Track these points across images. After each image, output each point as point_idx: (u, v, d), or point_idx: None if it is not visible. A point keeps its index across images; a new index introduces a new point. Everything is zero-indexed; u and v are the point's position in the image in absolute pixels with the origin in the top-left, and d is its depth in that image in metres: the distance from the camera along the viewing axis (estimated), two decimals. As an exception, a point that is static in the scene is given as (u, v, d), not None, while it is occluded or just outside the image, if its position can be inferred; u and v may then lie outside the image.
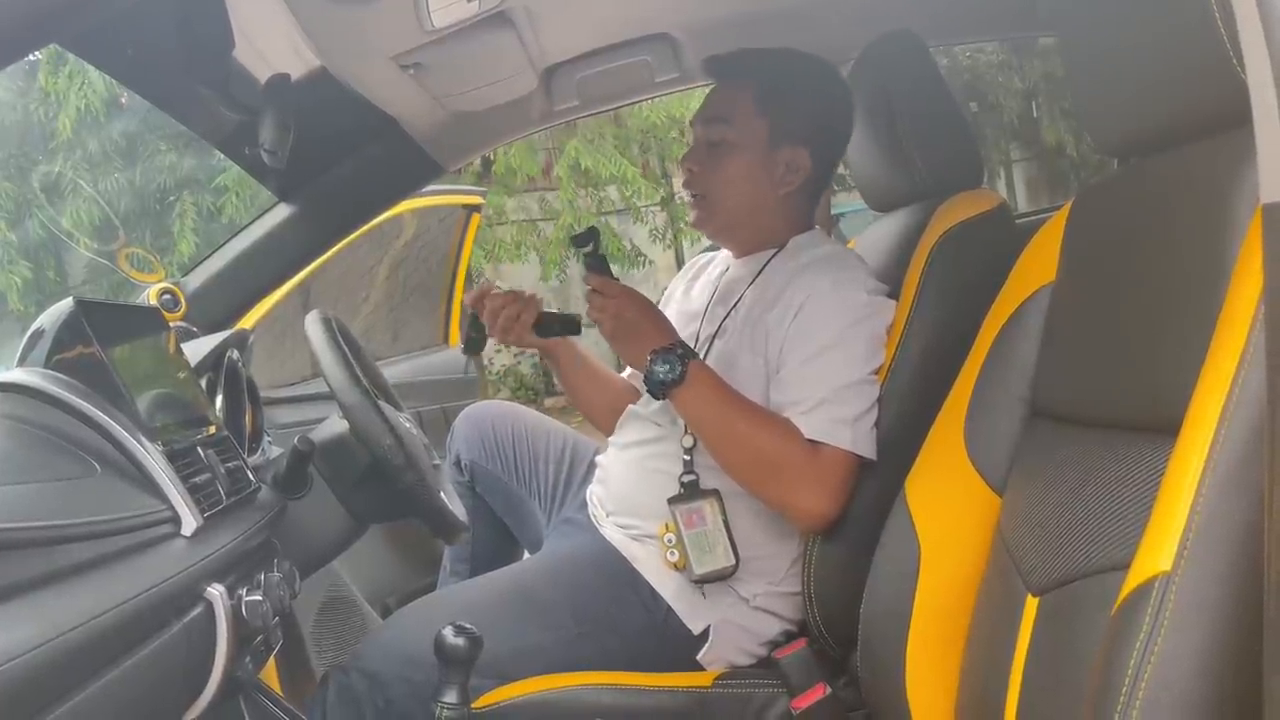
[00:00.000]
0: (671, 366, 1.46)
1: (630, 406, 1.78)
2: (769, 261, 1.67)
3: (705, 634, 1.56)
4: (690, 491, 1.56)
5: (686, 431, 1.59)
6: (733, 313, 1.65)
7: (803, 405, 1.47)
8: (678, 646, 1.56)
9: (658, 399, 1.52)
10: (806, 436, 1.46)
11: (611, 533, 1.67)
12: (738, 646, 1.58)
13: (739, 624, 1.57)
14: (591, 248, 1.60)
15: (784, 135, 1.63)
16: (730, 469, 1.52)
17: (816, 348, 1.49)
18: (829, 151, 1.69)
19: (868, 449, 1.46)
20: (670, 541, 1.55)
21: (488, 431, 1.98)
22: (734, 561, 1.52)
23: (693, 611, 1.56)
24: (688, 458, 1.58)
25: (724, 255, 1.82)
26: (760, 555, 1.56)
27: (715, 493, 1.54)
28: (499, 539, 2.01)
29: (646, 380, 1.49)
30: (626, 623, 1.57)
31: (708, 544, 1.52)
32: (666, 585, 1.58)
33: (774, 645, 1.60)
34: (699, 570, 1.51)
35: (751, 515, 1.55)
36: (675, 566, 1.55)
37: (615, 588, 1.59)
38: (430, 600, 1.71)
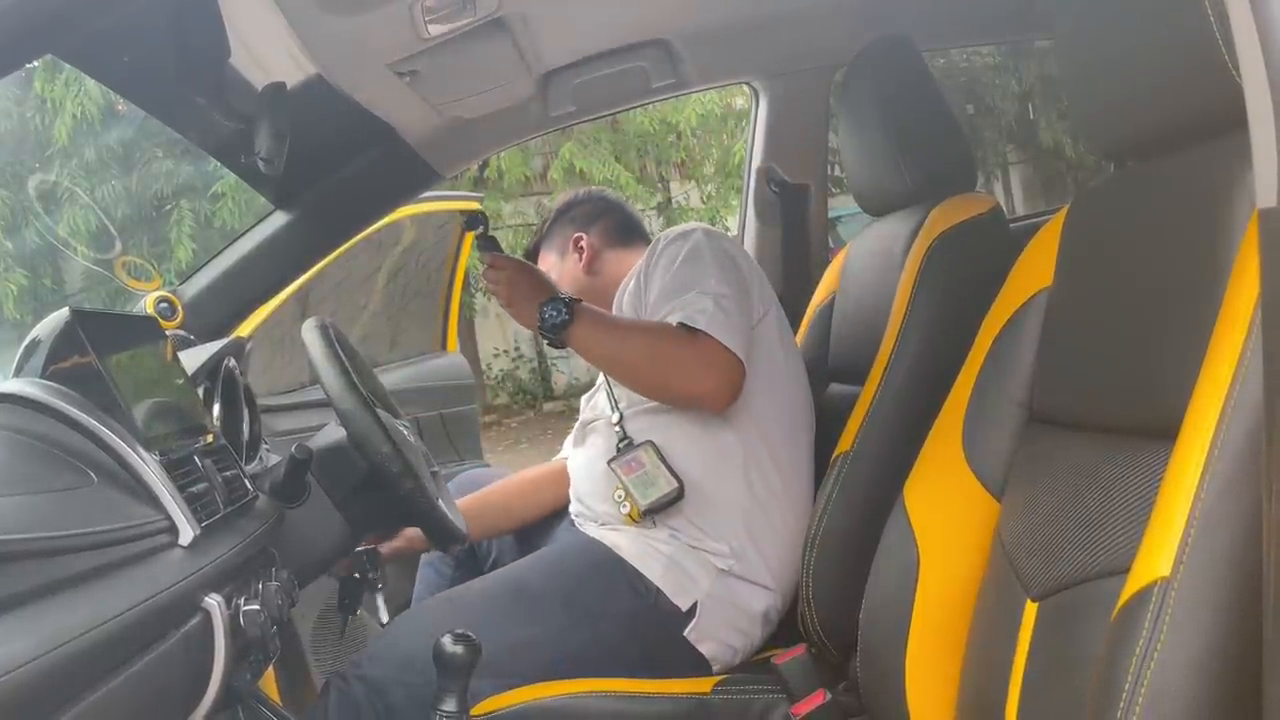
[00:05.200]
0: (558, 310, 1.63)
1: (571, 435, 1.97)
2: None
3: (693, 611, 1.60)
4: (625, 449, 1.70)
5: (614, 408, 1.77)
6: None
7: (673, 310, 1.63)
8: (668, 626, 1.60)
9: (556, 346, 1.67)
10: (675, 324, 1.60)
11: (593, 530, 1.75)
12: (726, 622, 1.62)
13: (723, 598, 1.62)
14: (482, 230, 1.79)
15: (560, 240, 2.05)
16: (633, 383, 1.70)
17: (674, 276, 1.68)
18: (596, 222, 2.05)
19: (728, 339, 1.58)
20: (620, 498, 1.68)
21: (477, 489, 2.07)
22: (677, 484, 1.64)
23: (679, 589, 1.61)
24: (618, 429, 1.74)
25: None
26: (707, 481, 1.66)
27: (648, 441, 1.69)
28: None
29: (542, 328, 1.65)
30: (616, 607, 1.60)
31: (649, 479, 1.66)
32: (652, 567, 1.62)
33: (765, 626, 1.64)
34: (645, 502, 1.64)
35: (680, 447, 1.68)
36: (631, 518, 1.67)
37: (603, 576, 1.63)
38: (425, 606, 1.73)
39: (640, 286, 1.77)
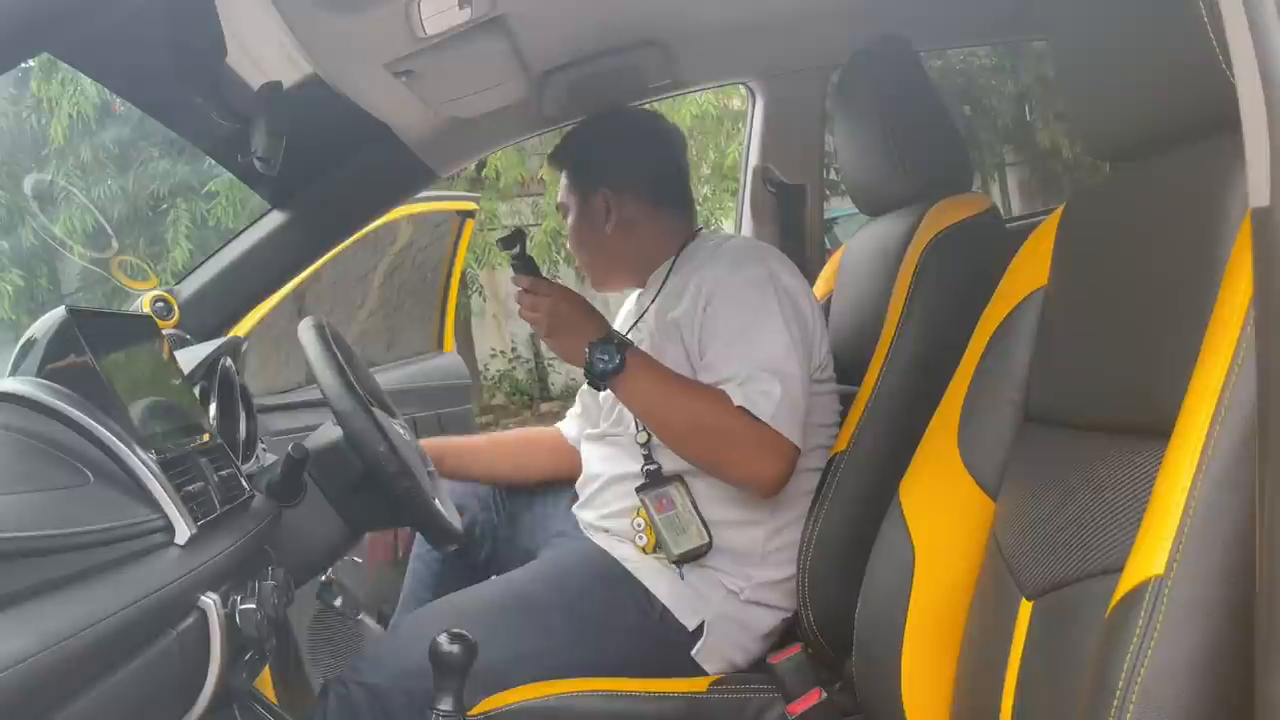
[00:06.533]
0: (610, 356, 1.51)
1: (586, 432, 1.86)
2: (668, 274, 1.74)
3: (700, 630, 1.57)
4: (655, 479, 1.62)
5: (640, 428, 1.64)
6: (642, 321, 1.73)
7: (734, 380, 1.51)
8: (674, 645, 1.57)
9: (599, 390, 1.58)
10: (736, 404, 1.49)
11: (600, 539, 1.70)
12: (734, 642, 1.60)
13: (733, 618, 1.59)
14: (519, 249, 1.63)
15: (586, 187, 1.79)
16: (680, 448, 1.57)
17: (738, 325, 1.55)
18: (636, 179, 1.78)
19: (790, 431, 1.49)
20: (639, 526, 1.62)
21: (473, 483, 2.01)
22: (708, 539, 1.57)
23: (687, 608, 1.58)
24: (645, 451, 1.64)
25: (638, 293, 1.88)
26: (730, 531, 1.60)
27: (679, 477, 1.61)
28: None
29: (588, 372, 1.53)
30: (621, 623, 1.58)
31: (680, 525, 1.58)
32: (659, 584, 1.59)
33: (770, 640, 1.61)
34: (677, 551, 1.57)
35: (712, 494, 1.60)
36: (644, 550, 1.61)
37: (609, 590, 1.60)
38: (427, 610, 1.70)
39: (693, 310, 1.61)
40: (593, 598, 1.60)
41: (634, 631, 1.58)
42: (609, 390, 1.56)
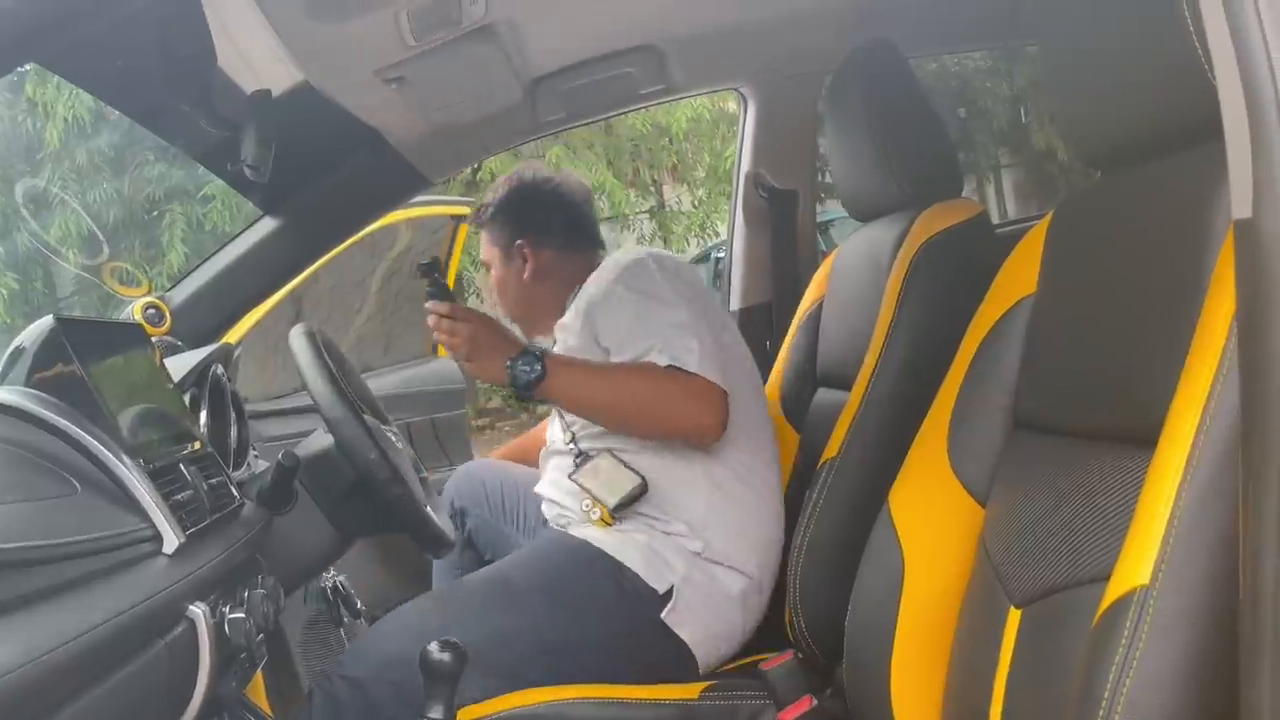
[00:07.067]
0: (531, 365, 1.59)
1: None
2: (570, 305, 1.85)
3: (670, 594, 1.62)
4: (583, 458, 1.73)
5: (566, 429, 1.77)
6: (554, 347, 1.83)
7: (654, 348, 1.61)
8: (646, 610, 1.61)
9: (529, 400, 1.65)
10: (664, 365, 1.59)
11: (574, 529, 1.77)
12: (704, 604, 1.63)
13: (699, 579, 1.64)
14: (435, 277, 1.70)
15: (505, 241, 1.97)
16: (623, 425, 1.68)
17: (634, 308, 1.66)
18: (546, 227, 1.95)
19: (715, 375, 1.59)
20: (588, 506, 1.70)
21: (478, 485, 2.15)
22: (640, 479, 1.66)
23: (655, 574, 1.63)
24: (572, 444, 1.75)
25: None
26: (663, 473, 1.67)
27: (605, 450, 1.71)
28: None
29: (514, 385, 1.60)
30: (596, 596, 1.62)
31: (611, 481, 1.68)
32: (629, 554, 1.64)
33: (744, 608, 1.66)
34: (612, 501, 1.66)
35: (638, 447, 1.69)
36: (604, 521, 1.69)
37: (582, 566, 1.66)
38: (409, 604, 1.72)
39: (590, 317, 1.73)
40: (569, 577, 1.65)
41: (609, 604, 1.61)
42: (540, 397, 1.62)
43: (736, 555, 1.67)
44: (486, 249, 2.00)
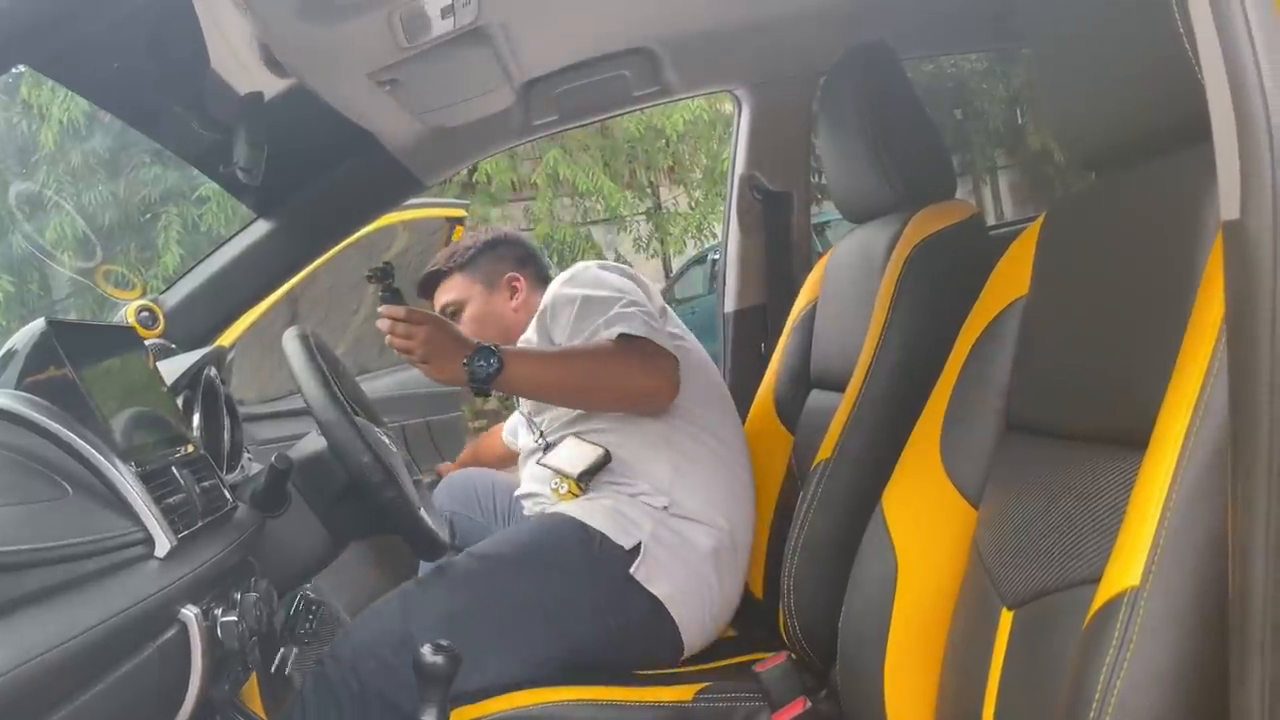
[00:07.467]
0: (488, 360, 1.62)
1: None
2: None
3: (637, 550, 1.66)
4: (548, 445, 1.85)
5: (533, 429, 1.90)
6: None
7: (601, 327, 1.69)
8: (615, 568, 1.64)
9: (488, 394, 1.69)
10: (613, 340, 1.67)
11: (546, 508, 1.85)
12: (673, 556, 1.68)
13: (666, 535, 1.69)
14: (388, 283, 1.69)
15: (493, 275, 2.11)
16: (583, 403, 1.78)
17: (577, 306, 1.76)
18: (521, 263, 2.14)
19: (661, 340, 1.69)
20: (557, 484, 1.78)
21: (470, 490, 2.22)
22: (602, 450, 1.75)
23: (621, 531, 1.67)
24: (540, 439, 1.88)
25: None
26: (625, 443, 1.76)
27: (567, 436, 1.82)
28: None
29: (472, 382, 1.63)
30: (564, 557, 1.66)
31: (575, 455, 1.77)
32: (594, 516, 1.69)
33: (716, 563, 1.71)
34: (576, 471, 1.74)
35: (599, 426, 1.79)
36: (572, 494, 1.76)
37: (551, 532, 1.71)
38: (396, 590, 1.73)
39: (544, 325, 1.84)
40: (537, 543, 1.70)
41: (577, 564, 1.65)
42: (499, 390, 1.66)
43: (704, 511, 1.73)
44: (462, 288, 2.11)
